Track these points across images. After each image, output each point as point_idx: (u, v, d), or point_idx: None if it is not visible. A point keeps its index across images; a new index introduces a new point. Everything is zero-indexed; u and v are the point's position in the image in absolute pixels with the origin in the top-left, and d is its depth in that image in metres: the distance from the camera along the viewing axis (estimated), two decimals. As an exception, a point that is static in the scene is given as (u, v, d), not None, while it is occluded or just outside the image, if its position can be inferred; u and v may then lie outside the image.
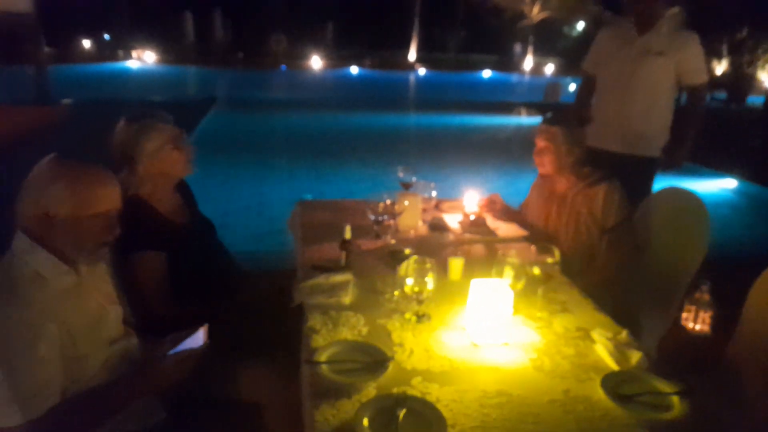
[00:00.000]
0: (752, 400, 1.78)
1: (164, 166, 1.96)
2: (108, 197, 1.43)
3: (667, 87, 3.09)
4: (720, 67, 18.04)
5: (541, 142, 2.38)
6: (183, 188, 2.19)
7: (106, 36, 30.92)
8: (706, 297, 2.62)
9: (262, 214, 5.34)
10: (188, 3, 30.29)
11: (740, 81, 17.90)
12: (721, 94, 17.78)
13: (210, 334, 1.49)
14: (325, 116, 12.68)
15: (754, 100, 17.66)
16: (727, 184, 7.32)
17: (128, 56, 28.59)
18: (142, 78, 20.83)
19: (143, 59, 28.21)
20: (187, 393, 1.60)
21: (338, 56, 28.93)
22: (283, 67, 26.31)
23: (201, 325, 1.47)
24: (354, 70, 27.19)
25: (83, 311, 1.42)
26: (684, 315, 2.63)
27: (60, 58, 21.10)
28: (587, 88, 3.36)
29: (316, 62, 27.87)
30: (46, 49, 13.27)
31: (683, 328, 2.59)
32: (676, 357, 2.21)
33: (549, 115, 2.44)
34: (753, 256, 4.66)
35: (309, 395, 1.33)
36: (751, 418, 1.74)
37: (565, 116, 2.44)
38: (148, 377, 1.45)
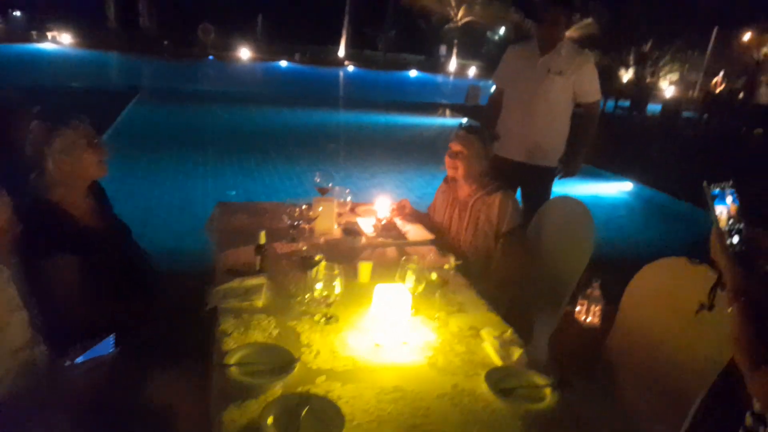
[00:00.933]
0: (620, 389, 2.02)
1: (76, 166, 1.94)
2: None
3: (566, 104, 3.36)
4: (626, 76, 19.24)
5: (456, 146, 2.51)
6: (97, 191, 2.17)
7: (17, 13, 28.55)
8: (597, 293, 2.91)
9: (184, 212, 5.22)
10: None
11: (642, 90, 19.18)
12: (626, 103, 18.87)
13: (122, 341, 1.52)
14: (251, 110, 12.48)
15: (654, 108, 18.90)
16: (625, 187, 7.82)
17: (42, 37, 26.50)
18: (58, 62, 19.23)
19: (59, 41, 26.23)
20: (98, 401, 1.60)
21: (267, 50, 28.36)
22: (211, 57, 25.51)
23: (113, 330, 1.50)
24: (283, 64, 26.81)
25: None
26: (577, 309, 2.91)
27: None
28: (496, 100, 3.58)
29: (244, 54, 27.18)
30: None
31: (571, 323, 2.87)
32: (565, 349, 2.46)
33: (466, 122, 2.59)
34: (641, 255, 5.05)
35: (216, 398, 1.39)
36: (617, 407, 1.98)
37: (480, 129, 2.60)
38: (55, 387, 1.45)
